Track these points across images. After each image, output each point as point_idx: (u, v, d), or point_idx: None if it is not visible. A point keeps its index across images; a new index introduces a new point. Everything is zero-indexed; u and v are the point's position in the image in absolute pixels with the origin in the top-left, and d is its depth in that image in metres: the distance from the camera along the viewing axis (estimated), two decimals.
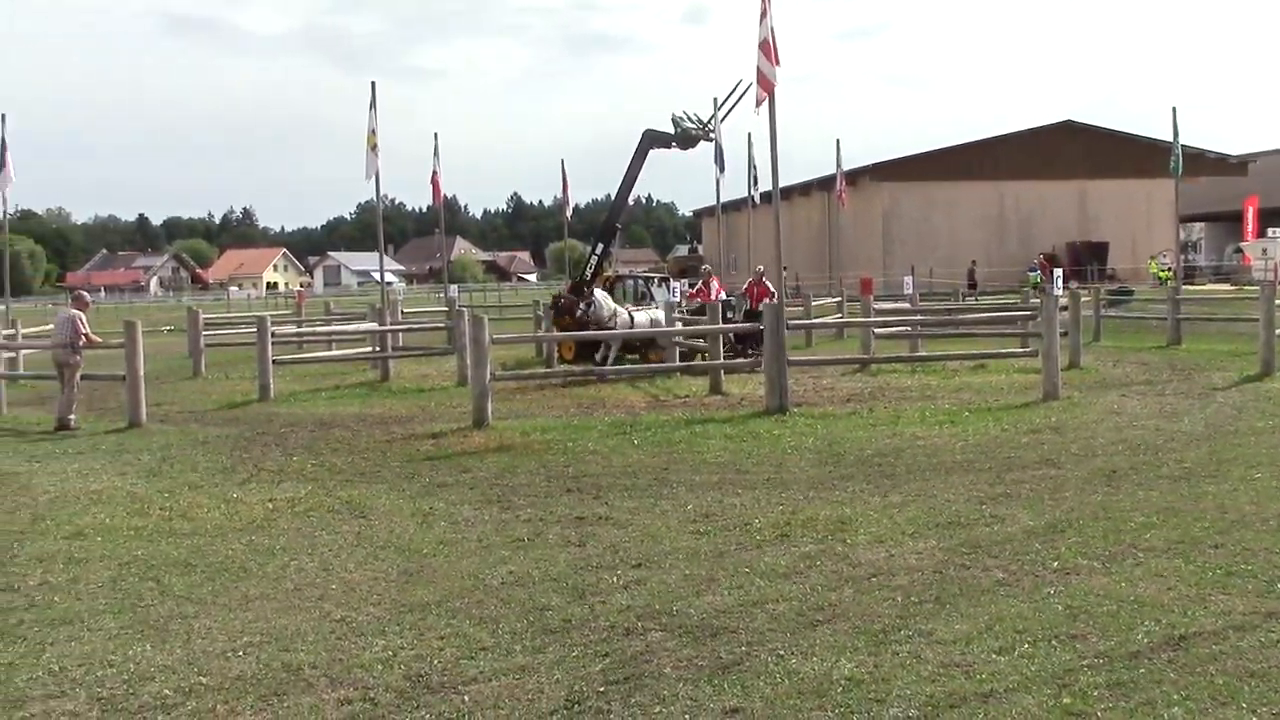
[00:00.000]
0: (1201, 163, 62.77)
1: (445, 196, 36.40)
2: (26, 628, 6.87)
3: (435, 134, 33.18)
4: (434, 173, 34.31)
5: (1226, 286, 51.03)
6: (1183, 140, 35.21)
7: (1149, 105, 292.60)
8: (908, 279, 39.85)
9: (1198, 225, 73.18)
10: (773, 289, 22.44)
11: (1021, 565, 7.45)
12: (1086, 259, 61.14)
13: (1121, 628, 6.14)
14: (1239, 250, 63.35)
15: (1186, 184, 41.16)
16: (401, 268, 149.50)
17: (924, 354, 21.38)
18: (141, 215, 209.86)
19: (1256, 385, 16.74)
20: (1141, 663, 5.62)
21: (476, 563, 8.07)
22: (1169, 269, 48.17)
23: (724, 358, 19.75)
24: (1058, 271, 30.42)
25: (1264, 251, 57.64)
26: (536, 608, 6.92)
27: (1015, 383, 17.98)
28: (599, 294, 21.39)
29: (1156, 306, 30.40)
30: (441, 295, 39.79)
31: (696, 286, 26.04)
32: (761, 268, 26.09)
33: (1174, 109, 32.72)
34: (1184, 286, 39.19)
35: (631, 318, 21.98)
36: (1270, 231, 62.25)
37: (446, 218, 41.07)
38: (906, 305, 31.09)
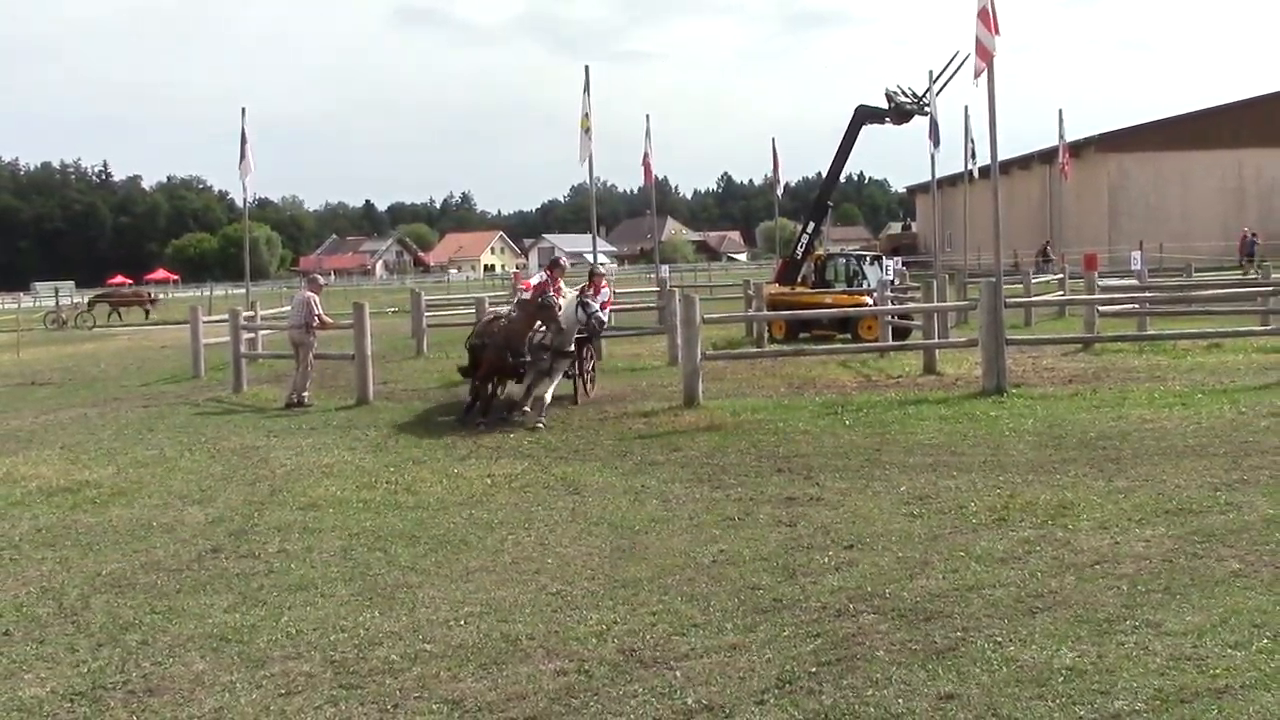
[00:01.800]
0: None
1: (656, 177, 36.66)
2: (266, 593, 7.30)
3: (647, 116, 33.30)
4: (645, 154, 34.52)
5: None
6: None
7: None
8: (1136, 254, 38.06)
9: None
10: (607, 286, 18.04)
11: (1260, 556, 7.04)
12: None
13: None
14: None
15: None
16: (613, 249, 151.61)
17: (1153, 333, 20.39)
18: (368, 201, 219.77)
19: None
20: None
21: (688, 540, 8.15)
22: None
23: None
24: None
25: None
26: (747, 586, 6.94)
27: (1254, 363, 16.97)
28: (568, 296, 15.45)
29: None
30: (653, 275, 40.14)
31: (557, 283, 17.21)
32: (604, 267, 21.02)
33: None
34: None
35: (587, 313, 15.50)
36: None
37: (657, 198, 41.40)
38: (1134, 282, 29.70)
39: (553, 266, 15.59)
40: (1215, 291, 24.87)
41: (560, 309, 14.58)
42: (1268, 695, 4.96)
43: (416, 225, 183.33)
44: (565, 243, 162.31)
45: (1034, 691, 5.14)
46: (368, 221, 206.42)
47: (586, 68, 24.37)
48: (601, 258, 30.96)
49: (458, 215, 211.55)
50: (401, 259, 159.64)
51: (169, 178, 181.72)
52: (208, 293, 71.99)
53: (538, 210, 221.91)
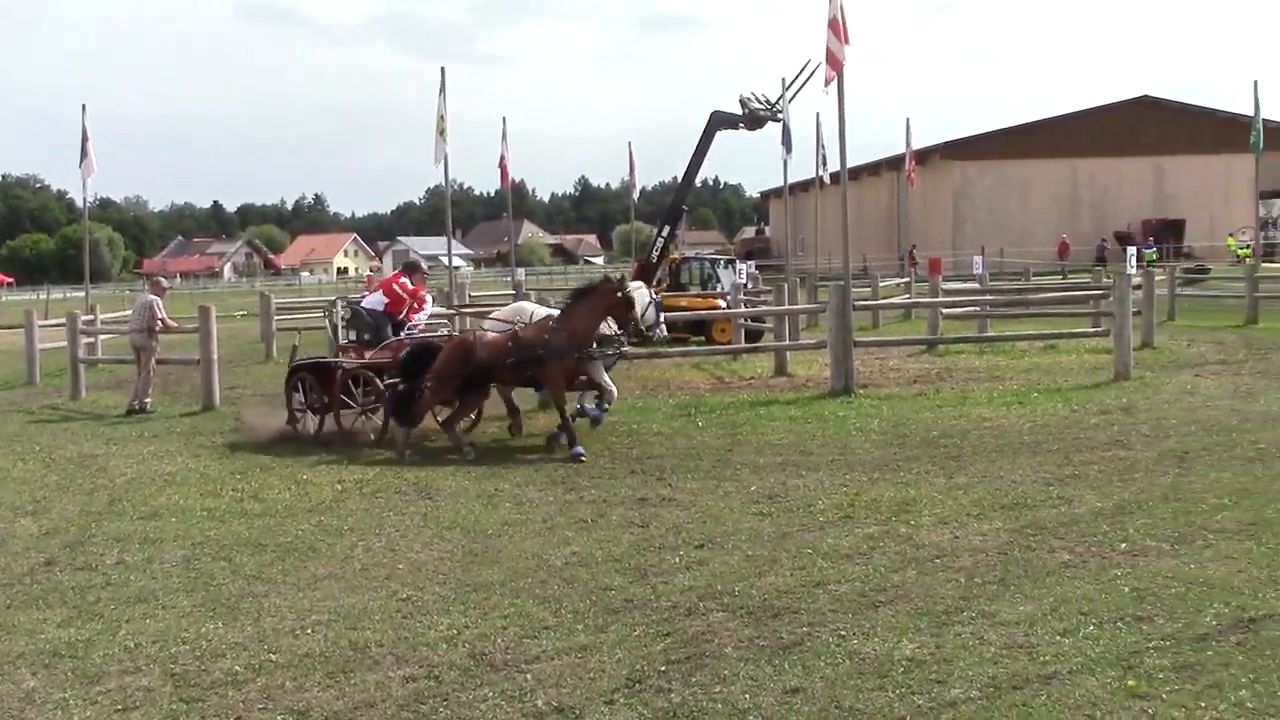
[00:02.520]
0: None
1: (513, 180, 36.56)
2: (104, 606, 7.06)
3: (504, 118, 33.21)
4: (502, 157, 34.46)
5: None
6: (1264, 115, 34.35)
7: (1229, 81, 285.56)
8: (977, 259, 39.43)
9: (1279, 202, 71.33)
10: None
11: (1088, 547, 7.37)
12: (1160, 236, 59.93)
13: (1189, 610, 6.05)
14: None
15: (1268, 159, 40.17)
16: (469, 251, 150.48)
17: (992, 334, 21.12)
18: (216, 203, 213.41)
19: None
20: (1209, 645, 5.54)
21: (540, 543, 8.15)
22: (1248, 246, 47.12)
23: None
24: (1131, 250, 29.81)
25: None
26: (599, 587, 6.98)
27: (1086, 363, 17.73)
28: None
29: (1234, 285, 29.74)
30: (509, 279, 40.01)
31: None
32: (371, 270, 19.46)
33: (1255, 83, 31.88)
34: (1263, 264, 38.32)
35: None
36: None
37: (514, 201, 41.28)
38: (976, 285, 30.73)
39: (413, 270, 14.91)
40: (1051, 295, 25.90)
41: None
42: (1093, 680, 5.19)
43: (267, 227, 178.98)
44: (420, 245, 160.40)
45: (875, 682, 5.29)
46: (215, 223, 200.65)
47: (442, 69, 24.25)
48: (457, 260, 30.72)
49: (310, 217, 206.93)
50: (251, 261, 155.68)
51: (4, 176, 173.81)
52: (45, 296, 69.13)
53: (392, 212, 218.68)
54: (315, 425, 13.53)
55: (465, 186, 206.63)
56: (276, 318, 26.83)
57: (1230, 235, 58.62)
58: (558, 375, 11.91)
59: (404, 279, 14.22)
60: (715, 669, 5.55)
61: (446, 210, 27.29)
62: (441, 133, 24.22)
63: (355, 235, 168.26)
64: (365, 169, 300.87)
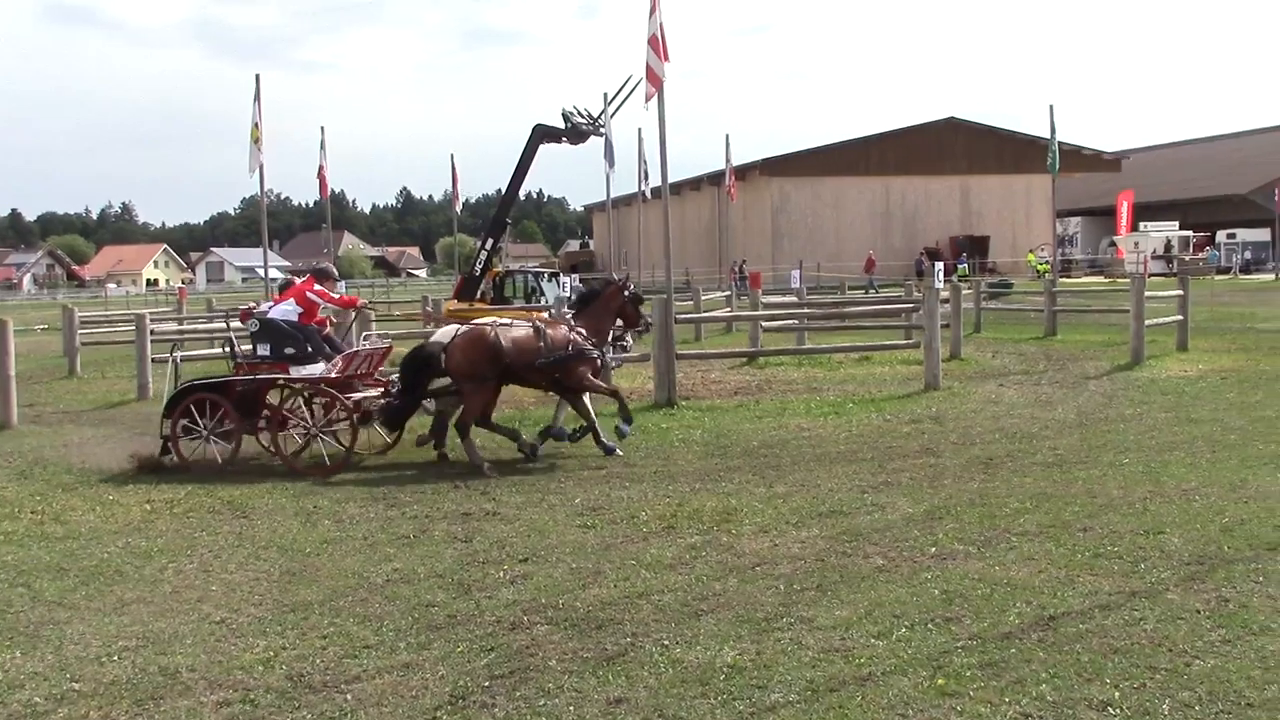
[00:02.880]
0: (1077, 159, 64.81)
1: (333, 191, 35.84)
2: None
3: (322, 127, 32.56)
4: (320, 167, 33.76)
5: (1101, 279, 52.63)
6: (1060, 137, 36.17)
7: (1029, 103, 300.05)
8: (795, 273, 40.37)
9: (1074, 219, 75.46)
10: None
11: (900, 552, 7.62)
12: (969, 252, 62.54)
13: (994, 610, 6.32)
14: (1113, 244, 65.43)
15: (1063, 179, 42.33)
16: (287, 263, 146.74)
17: (810, 347, 21.68)
18: (14, 210, 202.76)
19: (1127, 374, 17.33)
20: (1013, 643, 5.79)
21: (361, 560, 7.99)
22: (1047, 262, 49.53)
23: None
24: (939, 264, 30.97)
25: (1136, 245, 59.54)
26: (421, 604, 6.88)
27: (898, 374, 18.36)
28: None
29: (1034, 299, 31.24)
30: None
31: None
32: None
33: (1051, 107, 33.51)
34: (1060, 279, 40.32)
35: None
36: (1142, 226, 64.38)
37: (334, 213, 40.48)
38: (794, 299, 31.48)
39: (324, 277, 13.11)
40: (865, 308, 26.72)
41: None
42: (905, 680, 5.37)
43: (70, 236, 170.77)
44: (235, 256, 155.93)
45: (698, 690, 5.35)
46: (13, 232, 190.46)
47: (257, 76, 23.62)
48: (274, 272, 29.94)
49: (117, 227, 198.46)
50: (54, 273, 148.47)
51: None
52: None
53: (206, 223, 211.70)
54: (227, 451, 12.01)
55: (283, 197, 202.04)
56: (81, 332, 25.62)
57: (1031, 251, 61.57)
58: (587, 375, 11.76)
59: (317, 286, 12.74)
60: (540, 683, 5.54)
61: (262, 221, 26.59)
62: (256, 141, 23.57)
63: (165, 246, 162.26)
64: (176, 178, 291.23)
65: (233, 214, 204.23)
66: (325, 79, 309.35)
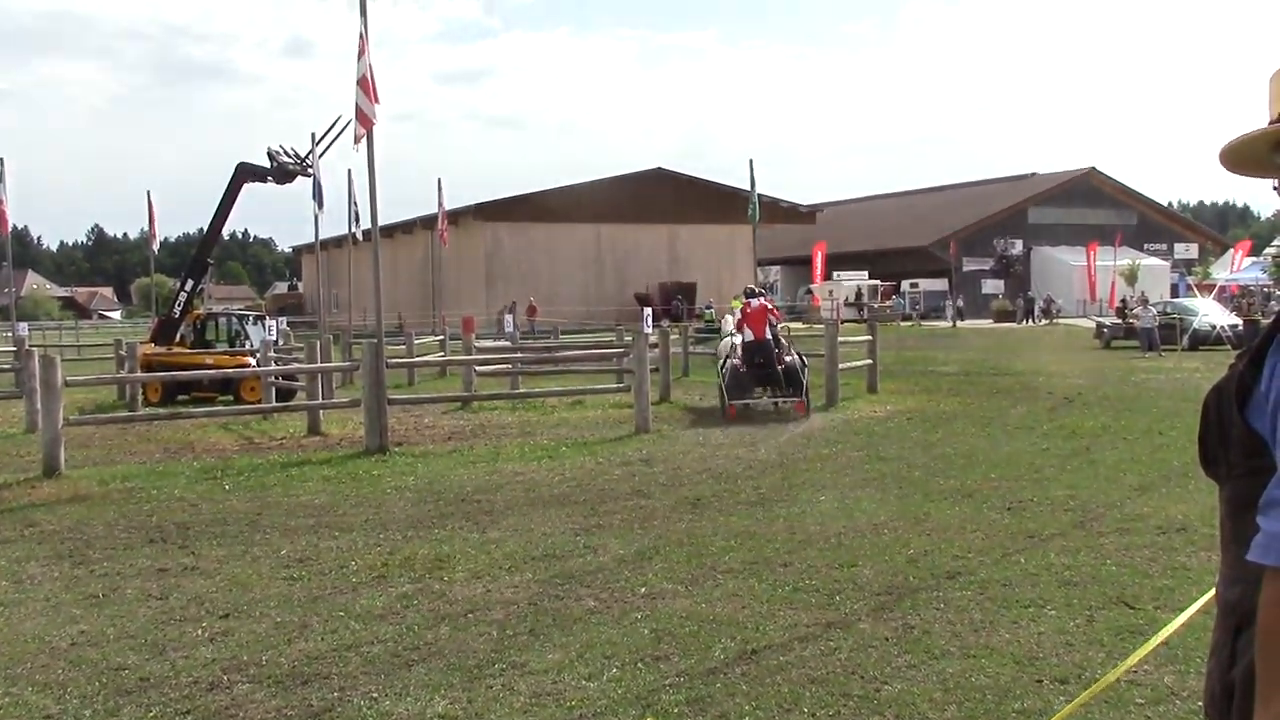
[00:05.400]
0: (776, 210, 68.16)
1: (15, 227, 33.36)
2: None
3: (0, 159, 30.26)
4: (0, 201, 31.43)
5: (800, 325, 55.30)
6: (760, 190, 37.92)
7: (733, 157, 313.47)
8: (508, 317, 40.51)
9: (775, 268, 79.26)
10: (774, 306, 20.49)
11: (612, 593, 7.73)
12: (676, 298, 64.51)
13: (701, 646, 6.50)
14: (810, 291, 69.09)
15: (763, 229, 44.36)
16: None
17: (524, 391, 21.79)
18: None
19: (823, 415, 18.27)
20: (718, 678, 5.97)
21: (43, 624, 7.42)
22: None
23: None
24: (648, 310, 31.85)
25: (830, 293, 63.05)
26: (111, 668, 6.44)
27: (610, 417, 18.69)
28: None
29: None
30: (9, 334, 36.41)
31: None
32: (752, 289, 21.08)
33: (750, 161, 35.18)
34: None
35: None
36: (835, 274, 68.29)
37: (16, 250, 37.72)
38: (507, 343, 31.59)
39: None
40: (578, 352, 27.12)
41: None
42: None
43: None
44: None
45: None
46: None
47: None
48: None
49: None
50: None
51: None
52: None
53: None
54: None
55: None
56: None
57: (736, 298, 64.14)
58: None
59: None
60: None
61: None
62: None
63: None
64: None
65: None
66: (6, 108, 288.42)
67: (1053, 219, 79.26)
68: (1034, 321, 60.89)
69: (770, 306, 19.88)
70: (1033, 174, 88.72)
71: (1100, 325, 40.14)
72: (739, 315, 19.55)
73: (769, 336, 18.82)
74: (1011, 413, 18.18)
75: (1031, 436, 15.30)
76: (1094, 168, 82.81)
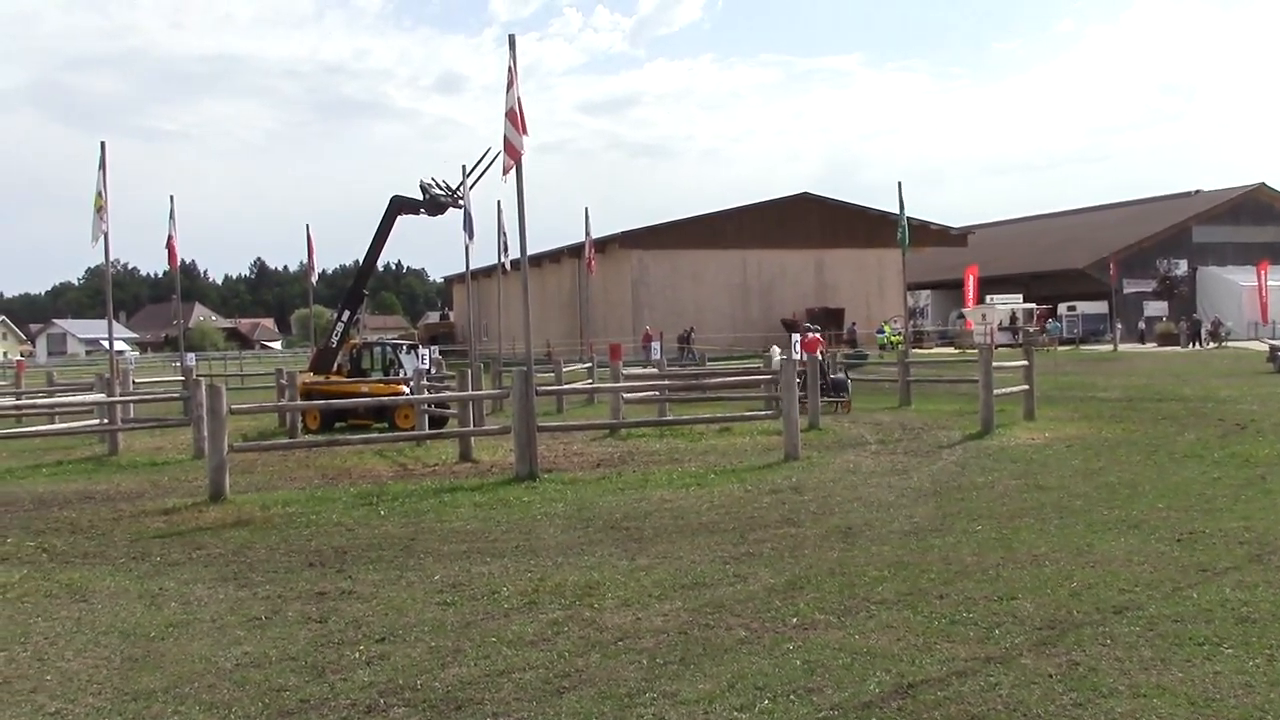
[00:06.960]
0: (926, 234, 67.01)
1: (183, 261, 34.93)
2: None
3: (171, 196, 31.78)
4: (169, 236, 32.94)
5: (951, 349, 54.23)
6: (909, 213, 37.33)
7: (880, 179, 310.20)
8: (655, 345, 40.64)
9: (925, 292, 77.94)
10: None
11: (762, 623, 7.62)
12: (824, 324, 63.94)
13: (855, 679, 6.35)
14: (961, 315, 67.71)
15: (913, 254, 43.65)
16: (134, 335, 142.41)
17: (671, 418, 21.80)
18: None
19: (978, 443, 17.82)
20: (873, 712, 5.82)
21: (209, 644, 7.66)
22: (900, 333, 50.87)
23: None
24: (795, 336, 31.59)
25: (983, 317, 61.65)
26: (273, 689, 6.61)
27: (759, 444, 18.55)
28: None
29: (888, 369, 32.02)
30: (178, 364, 38.00)
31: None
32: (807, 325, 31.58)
33: (899, 183, 34.65)
34: (913, 350, 41.40)
35: None
36: (989, 298, 66.76)
37: (185, 283, 39.45)
38: (654, 370, 31.68)
39: None
40: (725, 379, 27.03)
41: None
42: None
43: None
44: (80, 329, 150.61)
45: None
46: None
47: (102, 143, 22.94)
48: (120, 344, 28.98)
49: None
50: None
51: None
52: None
53: (47, 293, 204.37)
54: None
55: (130, 267, 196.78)
56: None
57: (885, 322, 63.24)
58: None
59: None
60: None
61: (107, 291, 25.80)
62: (100, 210, 22.85)
63: (4, 317, 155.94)
64: (13, 247, 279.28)
65: (76, 284, 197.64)
66: (175, 147, 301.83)
67: (1220, 237, 76.13)
68: (1201, 345, 58.45)
69: (819, 338, 31.25)
70: (1196, 191, 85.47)
71: (1274, 348, 38.28)
72: (803, 338, 29.74)
73: (820, 357, 25.60)
74: (1179, 440, 17.45)
75: (1201, 465, 14.65)
76: (1263, 183, 79.21)
